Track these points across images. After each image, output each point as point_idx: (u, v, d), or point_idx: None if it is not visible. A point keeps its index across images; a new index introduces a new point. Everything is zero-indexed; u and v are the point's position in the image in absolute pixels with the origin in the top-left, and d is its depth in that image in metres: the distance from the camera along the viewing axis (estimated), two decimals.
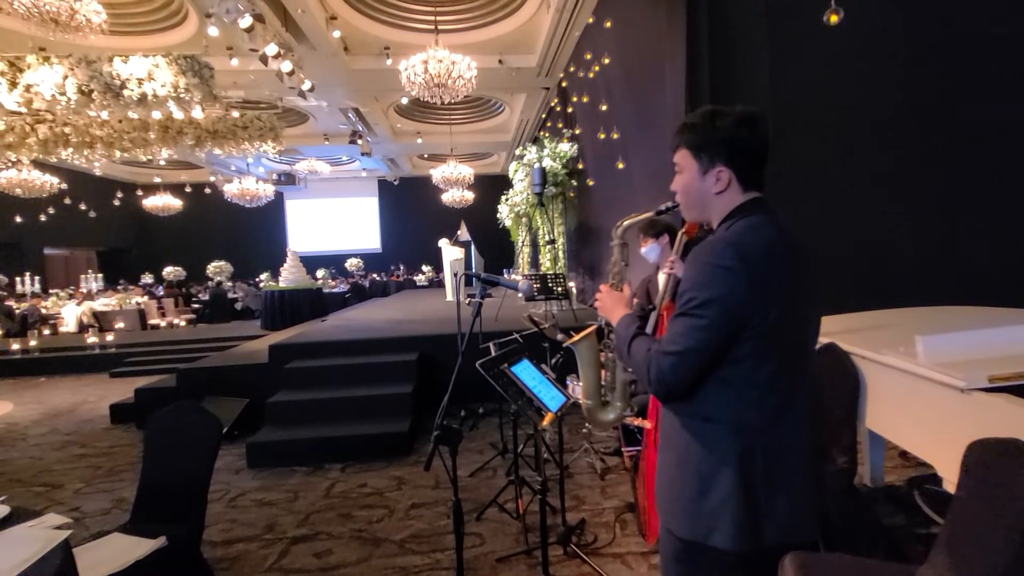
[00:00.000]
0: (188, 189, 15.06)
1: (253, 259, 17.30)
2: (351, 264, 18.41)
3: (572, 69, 7.95)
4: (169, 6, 7.06)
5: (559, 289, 5.65)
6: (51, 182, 10.46)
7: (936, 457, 1.74)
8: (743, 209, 1.16)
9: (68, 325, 10.91)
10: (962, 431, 1.51)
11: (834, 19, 2.87)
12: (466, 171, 12.50)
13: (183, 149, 8.75)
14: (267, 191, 13.54)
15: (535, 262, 10.13)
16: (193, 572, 2.12)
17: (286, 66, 6.51)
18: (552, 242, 8.24)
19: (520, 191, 8.66)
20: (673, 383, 1.10)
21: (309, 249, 17.95)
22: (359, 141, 11.59)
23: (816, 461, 1.18)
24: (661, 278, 2.97)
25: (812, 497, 1.14)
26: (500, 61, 8.32)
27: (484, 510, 3.03)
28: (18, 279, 12.84)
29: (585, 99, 7.19)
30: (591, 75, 6.65)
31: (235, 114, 8.47)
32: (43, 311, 11.34)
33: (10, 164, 9.47)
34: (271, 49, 6.19)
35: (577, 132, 8.17)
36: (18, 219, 12.94)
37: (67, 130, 7.93)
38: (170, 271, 16.32)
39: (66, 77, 6.40)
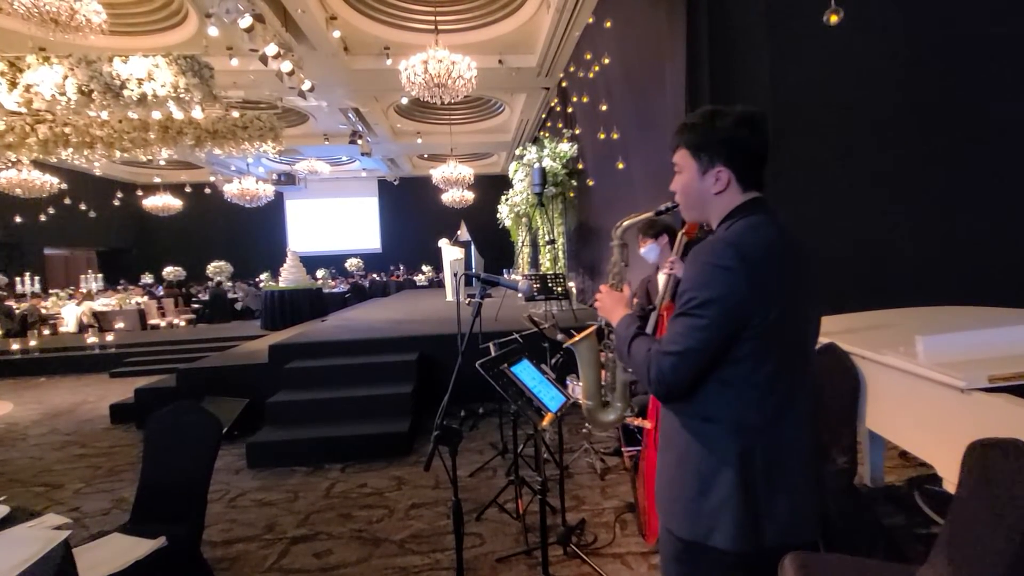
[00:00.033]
0: (188, 189, 15.06)
1: (253, 259, 17.30)
2: (351, 264, 18.41)
3: (572, 69, 7.95)
4: (169, 6, 7.06)
5: (559, 289, 5.65)
6: (51, 182, 10.47)
7: (936, 457, 1.74)
8: (743, 209, 1.16)
9: (68, 325, 10.91)
10: (962, 431, 1.51)
11: (834, 19, 2.87)
12: (466, 171, 12.50)
13: (183, 149, 8.75)
14: (267, 191, 13.54)
15: (535, 262, 10.13)
16: (193, 572, 2.12)
17: (286, 66, 6.51)
18: (552, 242, 8.24)
19: (520, 191, 8.66)
20: (673, 383, 1.10)
21: (309, 249, 17.95)
22: (359, 141, 11.60)
23: (816, 461, 1.18)
24: (661, 278, 2.97)
25: (812, 497, 1.14)
26: (500, 61, 8.32)
27: (484, 510, 3.03)
28: (18, 279, 12.84)
29: (585, 99, 7.19)
30: (591, 75, 6.65)
31: (235, 114, 8.47)
32: (43, 311, 11.33)
33: (10, 164, 9.47)
34: (271, 49, 6.19)
35: (577, 132, 8.17)
36: (18, 219, 12.95)
37: (67, 130, 7.93)
38: (170, 271, 16.32)
39: (66, 77, 6.40)
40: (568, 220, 8.56)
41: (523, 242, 9.37)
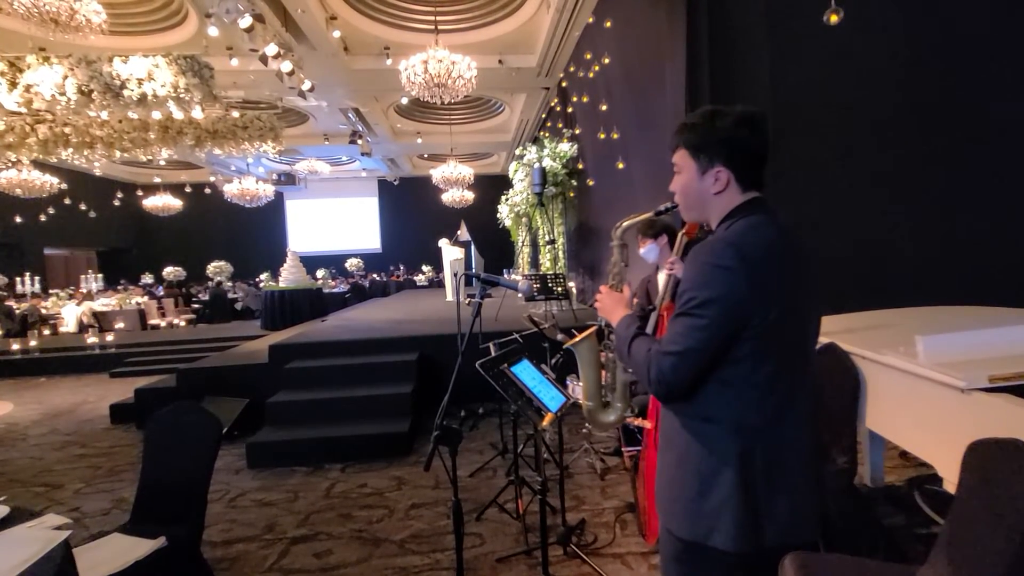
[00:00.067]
0: (188, 189, 15.07)
1: (253, 259, 17.31)
2: (351, 264, 18.41)
3: (572, 69, 7.95)
4: (169, 6, 7.06)
5: (559, 289, 5.65)
6: (51, 182, 10.47)
7: (936, 457, 1.74)
8: (742, 209, 1.16)
9: (68, 325, 10.91)
10: (962, 431, 1.51)
11: (834, 19, 2.87)
12: (466, 171, 12.50)
13: (183, 149, 8.76)
14: (267, 191, 13.54)
15: (535, 262, 10.13)
16: (193, 572, 2.12)
17: (286, 66, 6.51)
18: (552, 242, 8.24)
19: (520, 191, 8.66)
20: (673, 383, 1.10)
21: (309, 249, 17.95)
22: (359, 141, 11.60)
23: (816, 461, 1.18)
24: (661, 278, 2.97)
25: (812, 497, 1.14)
26: (500, 61, 8.32)
27: (484, 510, 3.03)
28: (18, 279, 12.84)
29: (585, 99, 7.19)
30: (591, 75, 6.65)
31: (235, 114, 8.47)
32: (43, 311, 11.33)
33: (10, 164, 9.47)
34: (271, 49, 6.19)
35: (577, 132, 8.17)
36: (18, 219, 12.95)
37: (67, 130, 7.93)
38: (170, 271, 16.32)
39: (66, 77, 6.40)
40: (568, 220, 8.56)
41: (523, 242, 9.37)
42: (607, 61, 5.99)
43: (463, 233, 10.78)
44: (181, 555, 2.02)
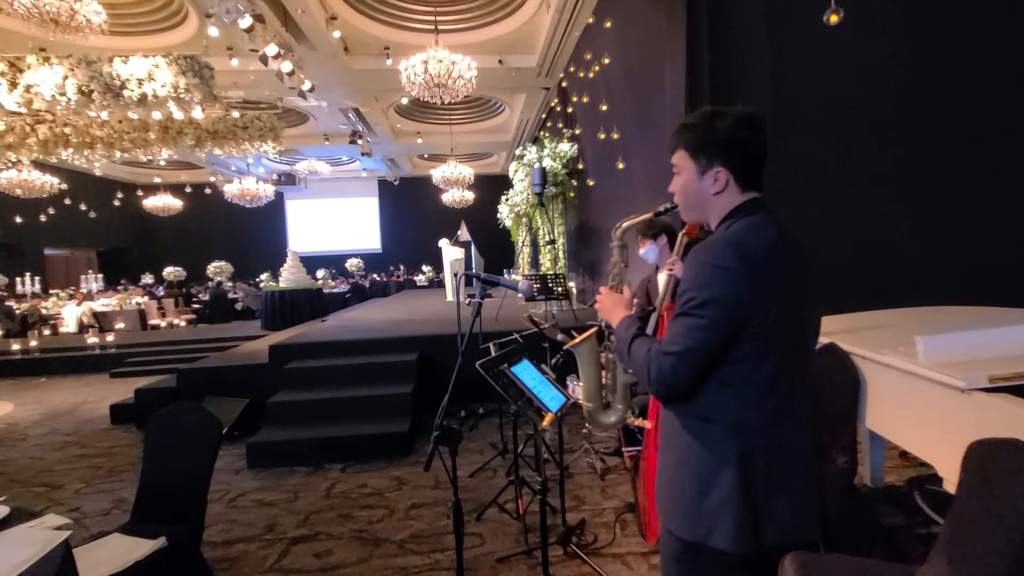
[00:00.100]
0: (188, 189, 15.07)
1: (253, 259, 17.30)
2: (351, 264, 18.41)
3: (572, 69, 7.94)
4: (169, 6, 7.07)
5: (559, 289, 5.65)
6: (51, 182, 10.47)
7: (936, 457, 1.74)
8: (742, 209, 1.16)
9: (68, 325, 10.91)
10: (962, 431, 1.51)
11: (834, 19, 2.87)
12: (466, 171, 12.50)
13: (183, 149, 8.75)
14: (267, 191, 13.54)
15: (535, 262, 10.13)
16: (193, 572, 2.12)
17: (286, 66, 6.51)
18: (552, 242, 8.24)
19: (520, 191, 8.66)
20: (673, 383, 1.10)
21: (309, 249, 17.95)
22: (359, 141, 11.60)
23: (816, 461, 1.18)
24: (661, 279, 2.97)
25: (812, 497, 1.14)
26: (500, 61, 8.31)
27: (484, 510, 3.03)
28: (18, 279, 12.84)
29: (585, 99, 7.19)
30: (591, 75, 6.65)
31: (235, 114, 8.47)
32: (43, 311, 11.34)
33: (10, 164, 9.47)
34: (271, 49, 6.19)
35: (577, 132, 8.17)
36: (18, 219, 12.95)
37: (67, 130, 7.93)
38: (170, 271, 16.32)
39: (66, 77, 6.40)
40: (568, 220, 8.56)
41: (523, 242, 9.38)
42: (607, 61, 5.98)
43: (463, 233, 10.79)
44: (181, 555, 2.02)
